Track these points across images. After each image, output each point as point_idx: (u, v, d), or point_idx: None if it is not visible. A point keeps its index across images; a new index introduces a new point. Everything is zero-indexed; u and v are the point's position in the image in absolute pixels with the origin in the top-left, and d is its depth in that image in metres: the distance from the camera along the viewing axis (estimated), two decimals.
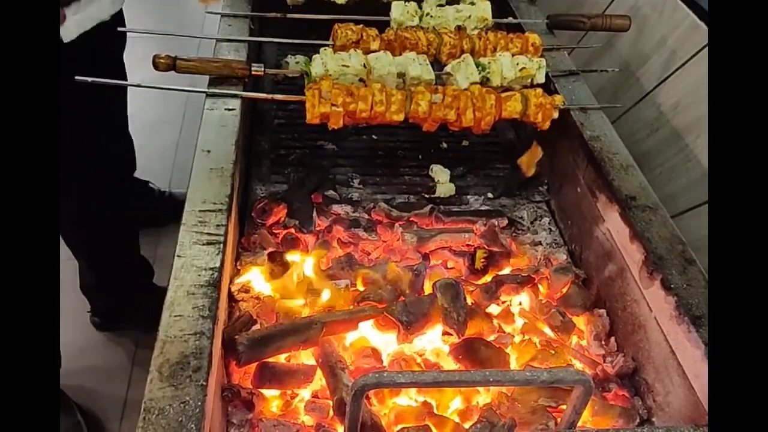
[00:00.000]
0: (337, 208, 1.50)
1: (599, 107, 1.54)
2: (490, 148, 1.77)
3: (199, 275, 1.04)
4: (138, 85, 1.38)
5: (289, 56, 1.86)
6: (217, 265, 1.06)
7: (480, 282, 1.35)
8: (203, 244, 1.09)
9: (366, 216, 1.49)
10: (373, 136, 1.78)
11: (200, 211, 1.14)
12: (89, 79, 1.32)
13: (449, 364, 1.22)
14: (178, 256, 1.07)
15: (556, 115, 1.49)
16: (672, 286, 1.14)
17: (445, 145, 1.78)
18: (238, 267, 1.33)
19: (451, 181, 1.64)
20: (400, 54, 1.54)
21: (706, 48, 1.66)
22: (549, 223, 1.58)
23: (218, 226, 1.12)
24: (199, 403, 0.88)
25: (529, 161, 1.63)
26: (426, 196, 1.60)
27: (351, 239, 1.41)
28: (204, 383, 0.90)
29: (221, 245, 1.09)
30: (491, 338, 1.26)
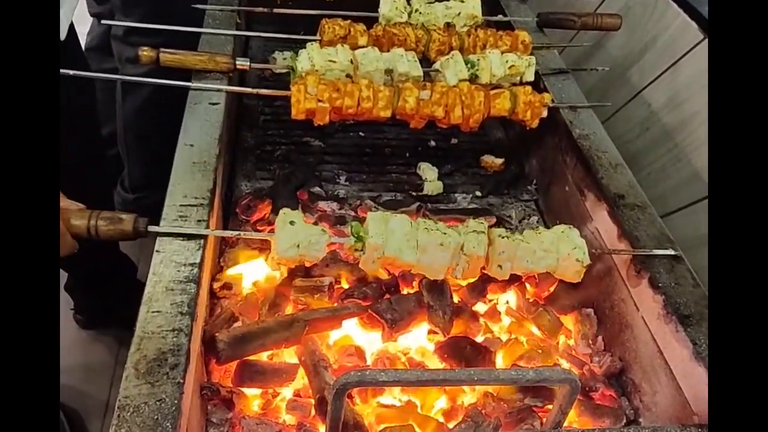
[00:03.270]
0: (322, 205, 1.48)
1: (588, 106, 1.53)
2: (479, 147, 1.75)
3: (179, 271, 1.02)
4: (121, 78, 1.36)
5: (277, 52, 1.84)
6: (198, 260, 1.04)
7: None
8: (183, 239, 1.07)
9: (352, 213, 1.47)
10: (361, 133, 1.76)
11: (181, 205, 1.12)
12: (71, 72, 1.29)
13: (434, 363, 1.20)
14: (157, 251, 1.04)
15: (545, 113, 1.47)
16: (660, 284, 1.12)
17: (433, 143, 1.76)
18: (222, 264, 1.31)
19: (439, 179, 1.62)
20: (388, 50, 1.52)
21: (697, 47, 1.65)
22: (537, 222, 1.57)
23: (199, 221, 1.10)
24: (176, 401, 0.85)
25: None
26: (413, 193, 1.58)
27: (336, 235, 1.39)
28: (181, 381, 0.88)
29: (202, 240, 1.07)
30: (478, 338, 1.24)
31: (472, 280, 1.30)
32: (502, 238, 1.16)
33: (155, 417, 0.84)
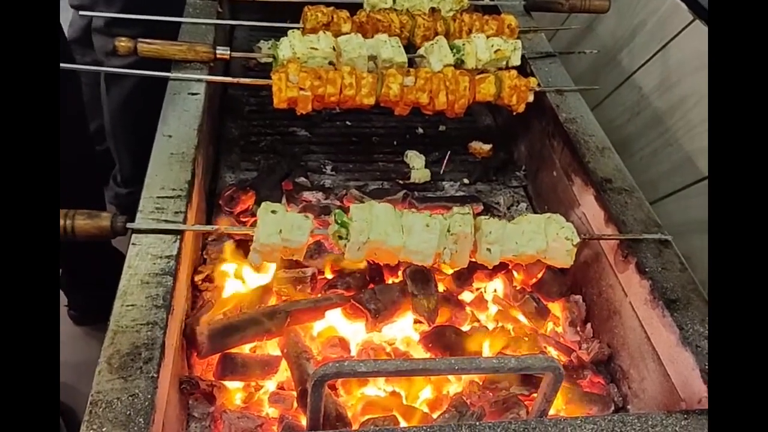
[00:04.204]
0: (308, 195, 1.46)
1: (576, 89, 1.51)
2: (467, 133, 1.73)
3: (154, 263, 1.00)
4: (99, 69, 1.34)
5: (262, 42, 1.82)
6: (174, 253, 1.02)
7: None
8: (160, 232, 1.05)
9: (338, 203, 1.45)
10: (348, 122, 1.74)
11: (158, 197, 1.10)
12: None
13: (420, 353, 1.18)
14: (132, 243, 1.03)
15: (531, 98, 1.45)
16: (647, 269, 1.11)
17: (421, 130, 1.74)
18: (204, 256, 1.29)
19: (426, 166, 1.60)
20: (372, 37, 1.50)
21: (687, 29, 1.63)
22: (526, 209, 1.55)
23: (176, 212, 1.08)
24: (149, 396, 0.84)
25: None
26: (400, 182, 1.55)
27: (321, 226, 1.37)
28: (155, 375, 0.86)
29: (179, 233, 1.05)
30: (464, 326, 1.23)
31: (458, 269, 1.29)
32: (489, 220, 1.14)
33: (128, 412, 0.82)
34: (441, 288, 1.26)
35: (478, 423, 0.88)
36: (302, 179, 1.51)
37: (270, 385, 1.12)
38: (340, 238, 1.12)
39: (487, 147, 1.67)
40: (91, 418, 0.81)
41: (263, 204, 1.11)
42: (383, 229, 1.10)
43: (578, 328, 1.26)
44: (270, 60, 1.47)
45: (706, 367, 0.96)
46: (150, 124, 1.26)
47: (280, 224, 1.08)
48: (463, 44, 1.50)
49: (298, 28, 1.51)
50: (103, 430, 0.80)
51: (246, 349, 1.14)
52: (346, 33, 1.49)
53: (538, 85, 1.47)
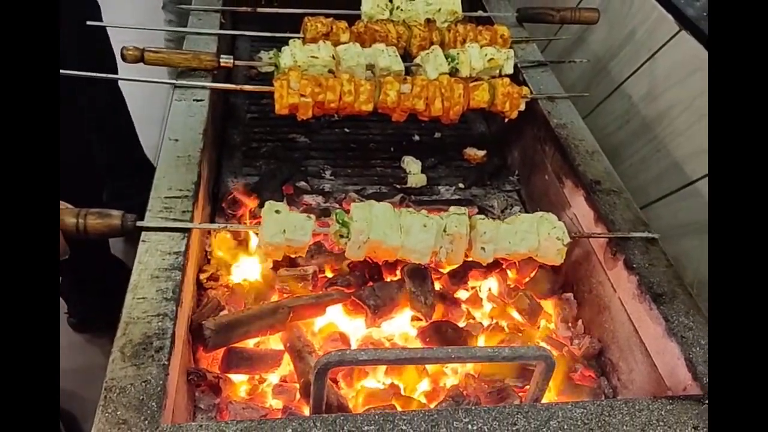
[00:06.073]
0: (308, 199, 1.50)
1: (566, 96, 1.56)
2: (462, 140, 1.78)
3: (164, 259, 1.05)
4: (104, 77, 1.38)
5: (263, 52, 1.88)
6: (182, 249, 1.06)
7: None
8: (168, 230, 1.09)
9: (337, 206, 1.50)
10: (346, 129, 1.79)
11: (166, 197, 1.15)
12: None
13: (417, 347, 1.22)
14: (142, 241, 1.07)
15: (523, 106, 1.50)
16: (634, 265, 1.15)
17: (417, 137, 1.79)
18: (208, 256, 1.33)
19: (422, 172, 1.65)
20: (370, 46, 1.55)
21: (673, 39, 1.68)
22: (520, 212, 1.60)
23: (184, 212, 1.13)
24: (161, 382, 0.88)
25: None
26: (397, 186, 1.60)
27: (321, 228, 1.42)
28: (166, 363, 0.90)
29: (187, 230, 1.10)
30: (460, 323, 1.27)
31: (454, 267, 1.33)
32: (484, 220, 1.19)
33: (141, 397, 0.86)
34: (437, 286, 1.31)
35: (474, 407, 0.92)
36: (302, 183, 1.55)
37: (273, 378, 1.16)
38: (341, 237, 1.17)
39: (482, 153, 1.73)
40: (105, 402, 0.85)
41: (267, 203, 1.15)
42: (382, 229, 1.15)
43: (570, 324, 1.31)
44: (271, 69, 1.52)
45: (691, 356, 1.01)
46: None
47: (284, 224, 1.13)
48: (458, 53, 1.56)
49: (298, 38, 1.57)
50: (118, 413, 0.84)
51: (250, 343, 1.18)
52: (345, 42, 1.55)
53: (530, 92, 1.53)
